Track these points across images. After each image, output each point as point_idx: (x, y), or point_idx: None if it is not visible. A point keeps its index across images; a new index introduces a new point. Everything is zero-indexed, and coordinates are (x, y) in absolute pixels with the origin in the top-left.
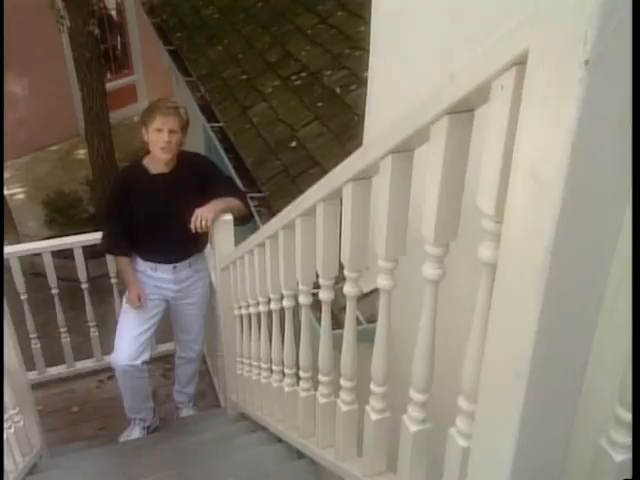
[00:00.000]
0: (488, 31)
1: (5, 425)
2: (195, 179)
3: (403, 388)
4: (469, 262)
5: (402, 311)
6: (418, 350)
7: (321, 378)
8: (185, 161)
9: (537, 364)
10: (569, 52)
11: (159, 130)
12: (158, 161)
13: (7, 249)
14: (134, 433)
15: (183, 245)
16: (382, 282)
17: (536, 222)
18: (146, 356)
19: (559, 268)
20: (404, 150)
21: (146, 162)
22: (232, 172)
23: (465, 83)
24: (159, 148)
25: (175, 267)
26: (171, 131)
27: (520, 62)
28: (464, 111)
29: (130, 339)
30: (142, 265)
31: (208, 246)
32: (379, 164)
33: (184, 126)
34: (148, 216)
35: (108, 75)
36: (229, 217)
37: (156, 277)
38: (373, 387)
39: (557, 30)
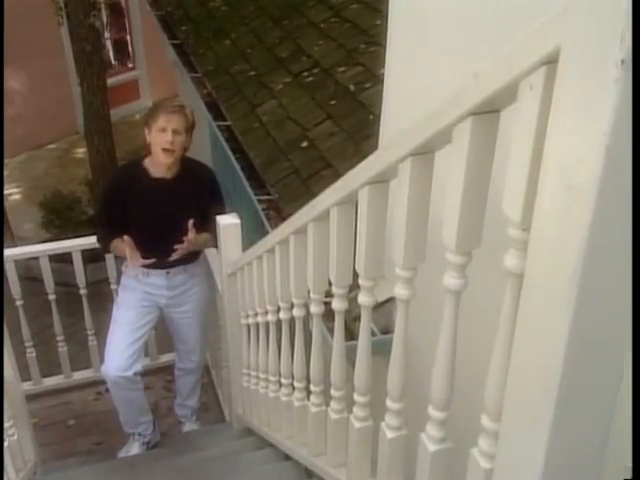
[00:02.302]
0: (515, 28)
1: None
2: (196, 190)
3: (420, 403)
4: (492, 271)
5: (419, 321)
6: (438, 365)
7: (333, 392)
8: (189, 170)
9: (567, 380)
10: (604, 50)
11: (162, 130)
12: (159, 164)
13: None
14: (133, 449)
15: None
16: (400, 291)
17: (567, 230)
18: (138, 366)
19: (591, 278)
20: (424, 152)
21: (147, 163)
22: (239, 173)
23: (491, 82)
24: (161, 149)
25: (168, 272)
26: (175, 132)
27: (551, 61)
28: (489, 112)
29: (120, 349)
30: (133, 269)
31: (207, 250)
32: (398, 167)
33: (189, 128)
34: (144, 220)
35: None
36: (236, 221)
37: (147, 282)
38: (389, 403)
39: (591, 27)
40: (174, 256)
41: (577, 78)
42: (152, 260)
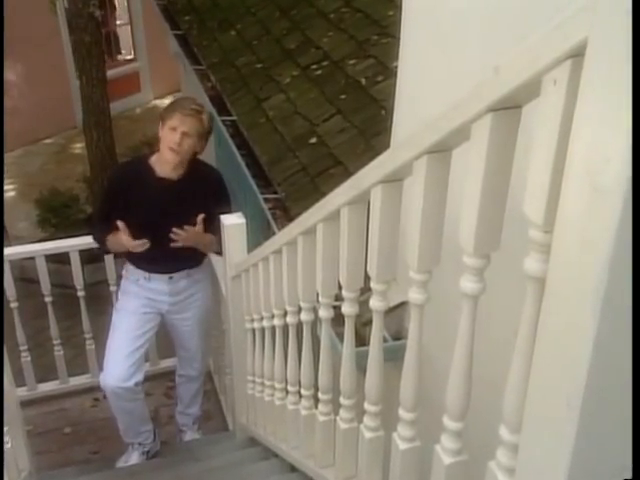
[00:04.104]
0: (534, 24)
1: None
2: (201, 193)
3: (433, 412)
4: (511, 275)
5: (432, 326)
6: (454, 373)
7: (342, 401)
8: (197, 173)
9: (592, 392)
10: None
11: (173, 129)
12: (166, 163)
13: None
14: (132, 458)
15: (181, 256)
16: (414, 296)
17: (592, 234)
18: (139, 376)
19: (618, 285)
20: (441, 150)
21: (153, 161)
22: (244, 170)
23: (512, 77)
24: (167, 147)
25: (171, 277)
26: (184, 134)
27: (576, 54)
28: (510, 108)
29: (120, 358)
30: (134, 273)
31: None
32: (412, 165)
33: (203, 133)
34: (145, 221)
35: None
36: (241, 220)
37: (149, 288)
38: (402, 413)
39: (621, 19)
40: (176, 244)
41: (605, 73)
42: (147, 244)
